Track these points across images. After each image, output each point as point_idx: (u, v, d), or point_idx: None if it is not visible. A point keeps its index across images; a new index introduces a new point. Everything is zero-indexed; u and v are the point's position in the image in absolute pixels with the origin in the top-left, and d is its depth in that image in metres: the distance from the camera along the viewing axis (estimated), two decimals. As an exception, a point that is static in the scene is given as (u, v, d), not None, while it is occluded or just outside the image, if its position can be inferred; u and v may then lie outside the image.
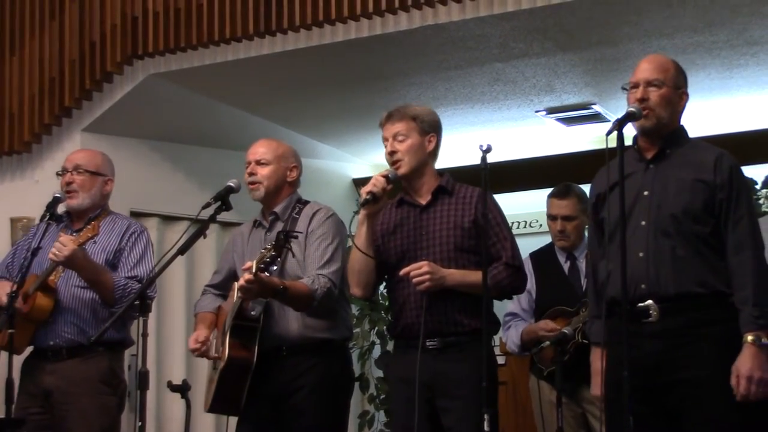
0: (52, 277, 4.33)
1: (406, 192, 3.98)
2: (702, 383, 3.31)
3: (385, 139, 3.95)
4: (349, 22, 5.28)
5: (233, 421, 4.14)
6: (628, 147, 3.48)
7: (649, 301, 3.39)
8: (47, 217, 4.38)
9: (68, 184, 4.46)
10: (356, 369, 5.80)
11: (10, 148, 6.32)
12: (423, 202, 3.93)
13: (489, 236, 3.80)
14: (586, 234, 4.30)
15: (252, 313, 4.02)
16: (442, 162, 4.06)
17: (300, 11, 5.33)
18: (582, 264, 4.79)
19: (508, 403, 6.61)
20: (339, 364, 4.19)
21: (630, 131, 3.52)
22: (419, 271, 3.73)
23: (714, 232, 3.42)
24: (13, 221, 6.19)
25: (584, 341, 4.17)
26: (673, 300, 3.36)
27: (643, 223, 3.45)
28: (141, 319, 3.64)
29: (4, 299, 4.23)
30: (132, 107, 6.05)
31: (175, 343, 6.49)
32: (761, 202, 5.98)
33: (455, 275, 3.77)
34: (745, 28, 5.13)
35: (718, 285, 3.38)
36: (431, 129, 3.95)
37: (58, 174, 4.56)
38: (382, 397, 6.65)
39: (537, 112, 6.48)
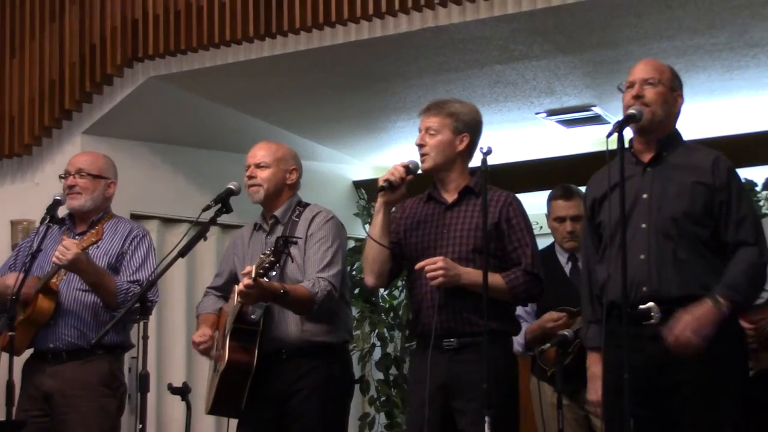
0: (54, 280, 4.33)
1: (435, 188, 3.97)
2: (704, 385, 3.31)
3: (419, 130, 3.93)
4: (349, 25, 5.28)
5: (233, 423, 4.14)
6: (625, 150, 3.48)
7: (651, 304, 3.38)
8: (47, 219, 4.38)
9: (71, 187, 4.46)
10: (357, 371, 5.79)
11: (11, 150, 6.31)
12: (449, 200, 3.91)
13: (511, 241, 3.81)
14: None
15: (252, 316, 4.02)
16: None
17: (300, 14, 5.32)
18: (582, 264, 4.79)
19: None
20: (339, 367, 4.18)
21: (629, 134, 3.52)
22: (434, 266, 3.71)
23: (714, 234, 3.43)
24: (14, 224, 6.18)
25: (585, 343, 4.17)
26: (675, 302, 3.35)
27: (644, 225, 3.45)
28: (141, 321, 3.65)
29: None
30: (132, 110, 6.04)
31: (175, 346, 6.47)
32: (761, 204, 5.97)
33: (471, 274, 3.73)
34: (746, 30, 5.12)
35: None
36: (466, 129, 3.91)
37: (60, 177, 4.55)
38: (382, 399, 6.65)
39: (537, 114, 6.47)
